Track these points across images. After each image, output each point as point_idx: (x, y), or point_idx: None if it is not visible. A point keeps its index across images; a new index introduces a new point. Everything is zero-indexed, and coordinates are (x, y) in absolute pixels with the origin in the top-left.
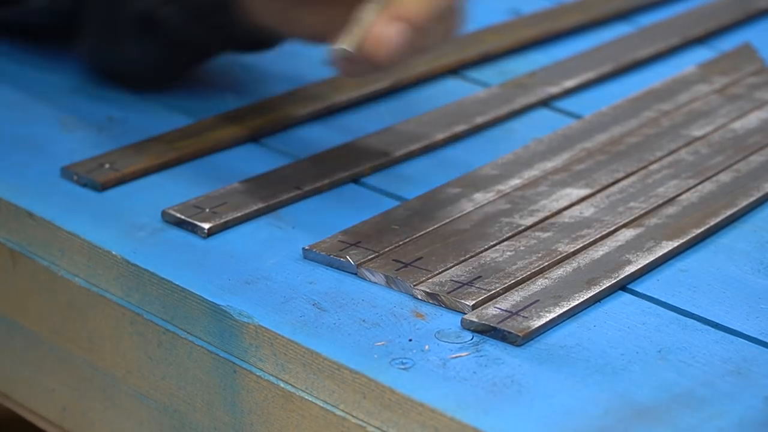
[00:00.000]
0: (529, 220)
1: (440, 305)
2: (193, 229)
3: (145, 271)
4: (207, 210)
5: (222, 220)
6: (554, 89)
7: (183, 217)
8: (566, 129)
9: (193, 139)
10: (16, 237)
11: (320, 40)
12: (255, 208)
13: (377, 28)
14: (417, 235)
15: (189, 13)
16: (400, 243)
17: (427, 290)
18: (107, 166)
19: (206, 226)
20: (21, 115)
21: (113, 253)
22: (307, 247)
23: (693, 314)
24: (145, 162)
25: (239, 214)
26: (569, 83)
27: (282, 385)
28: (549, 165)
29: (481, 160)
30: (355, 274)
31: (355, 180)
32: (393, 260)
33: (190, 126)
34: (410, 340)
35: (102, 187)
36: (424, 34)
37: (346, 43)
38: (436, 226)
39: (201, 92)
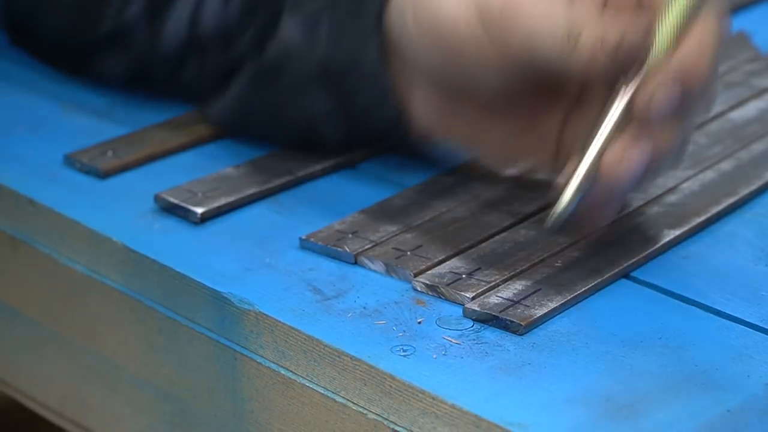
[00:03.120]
0: (529, 209)
1: (440, 297)
2: (186, 214)
3: (146, 258)
4: (200, 194)
5: (215, 205)
6: None
7: (176, 201)
8: None
9: (196, 126)
10: (17, 224)
11: (511, 159)
12: (249, 193)
13: (615, 152)
14: (415, 224)
15: (356, 137)
16: (398, 232)
17: (427, 282)
18: (110, 153)
19: (199, 210)
20: (22, 102)
21: (114, 240)
22: (304, 237)
23: (694, 301)
24: (148, 149)
25: (232, 199)
26: None
27: (282, 372)
28: None
29: None
30: (353, 263)
31: (352, 165)
32: (393, 248)
33: (192, 113)
34: (419, 322)
35: (105, 175)
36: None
37: (561, 208)
38: (434, 215)
39: None
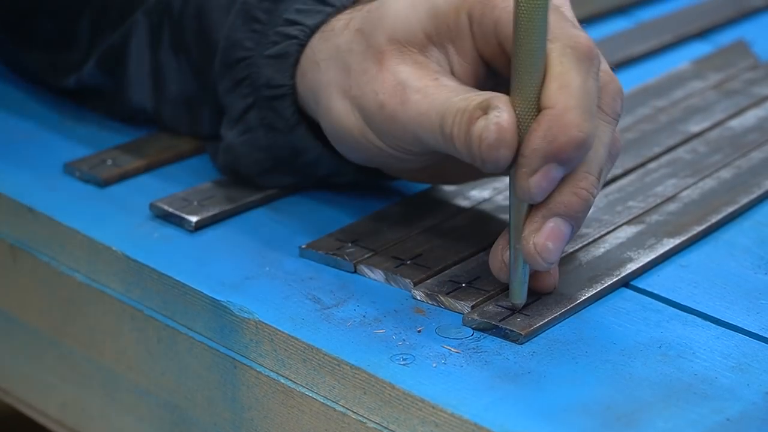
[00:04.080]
0: None
1: (439, 306)
2: (180, 222)
3: (146, 266)
4: (195, 203)
5: (210, 213)
6: None
7: (170, 209)
8: None
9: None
10: (16, 232)
11: (479, 177)
12: (245, 201)
13: (529, 242)
14: (415, 233)
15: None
16: (398, 241)
17: (426, 291)
18: (109, 162)
19: (194, 219)
20: (21, 110)
21: (114, 248)
22: (303, 246)
23: (694, 310)
24: (147, 158)
25: (228, 208)
26: None
27: (282, 380)
28: None
29: None
30: (353, 272)
31: None
32: (392, 257)
33: None
34: (419, 330)
35: (104, 183)
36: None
37: (515, 298)
38: (433, 224)
39: None
